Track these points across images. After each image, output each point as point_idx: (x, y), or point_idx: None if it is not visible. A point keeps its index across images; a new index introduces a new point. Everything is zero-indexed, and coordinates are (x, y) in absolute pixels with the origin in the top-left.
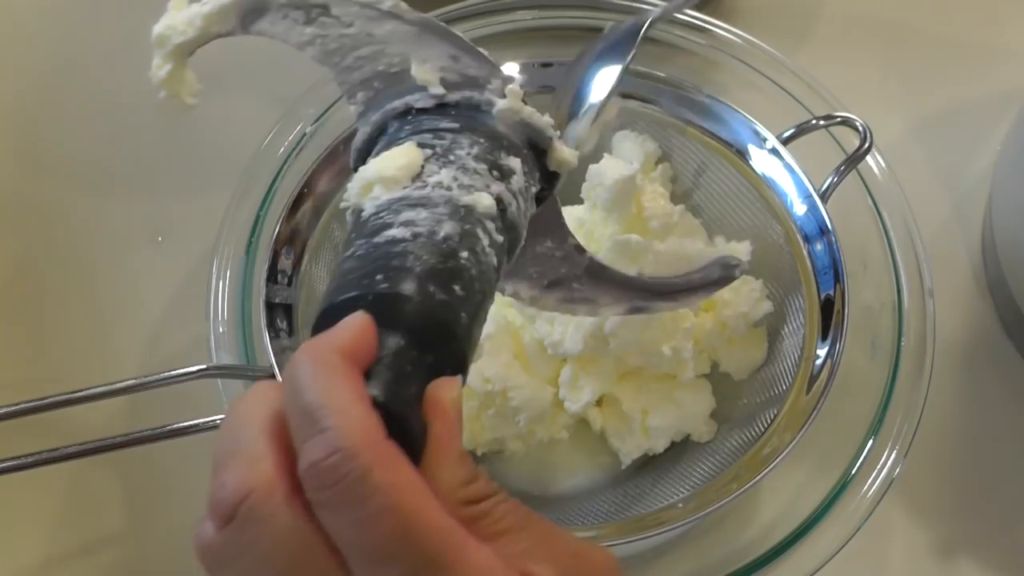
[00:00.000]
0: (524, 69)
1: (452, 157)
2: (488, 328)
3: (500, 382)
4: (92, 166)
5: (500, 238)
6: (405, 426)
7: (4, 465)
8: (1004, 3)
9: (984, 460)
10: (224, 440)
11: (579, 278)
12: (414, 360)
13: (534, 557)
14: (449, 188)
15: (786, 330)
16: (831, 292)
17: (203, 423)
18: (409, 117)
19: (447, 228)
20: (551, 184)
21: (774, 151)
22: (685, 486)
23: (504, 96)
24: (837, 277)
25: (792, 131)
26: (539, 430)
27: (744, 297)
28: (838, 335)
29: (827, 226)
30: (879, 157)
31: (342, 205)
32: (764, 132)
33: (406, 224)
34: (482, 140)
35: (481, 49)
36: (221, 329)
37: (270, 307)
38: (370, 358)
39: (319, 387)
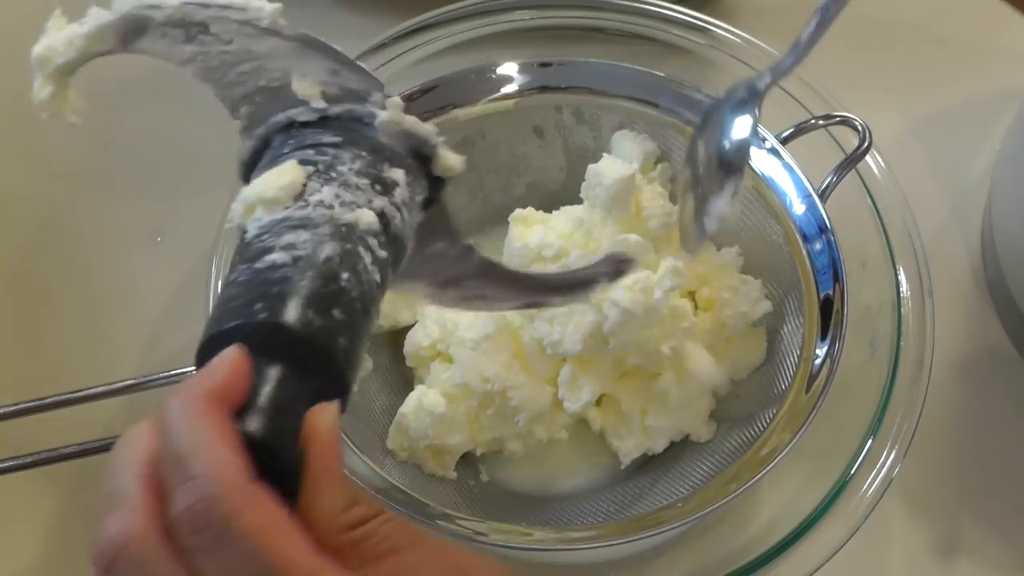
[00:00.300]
0: (523, 69)
1: (334, 174)
2: (487, 328)
3: (499, 382)
4: (92, 166)
5: (384, 253)
6: (279, 460)
7: (4, 465)
8: (1004, 3)
9: (983, 460)
10: (106, 486)
11: (473, 276)
12: (294, 389)
13: (420, 573)
14: (331, 206)
15: (785, 330)
16: (830, 292)
17: None
18: (292, 131)
19: (328, 249)
20: (437, 189)
21: (773, 150)
22: (684, 486)
23: (385, 108)
24: (836, 277)
25: (791, 131)
26: (538, 430)
27: (743, 297)
28: (837, 335)
29: (826, 226)
30: (878, 157)
31: (226, 226)
32: (763, 132)
33: (287, 248)
34: (364, 154)
35: (361, 64)
36: None
37: None
38: (244, 394)
39: (187, 433)
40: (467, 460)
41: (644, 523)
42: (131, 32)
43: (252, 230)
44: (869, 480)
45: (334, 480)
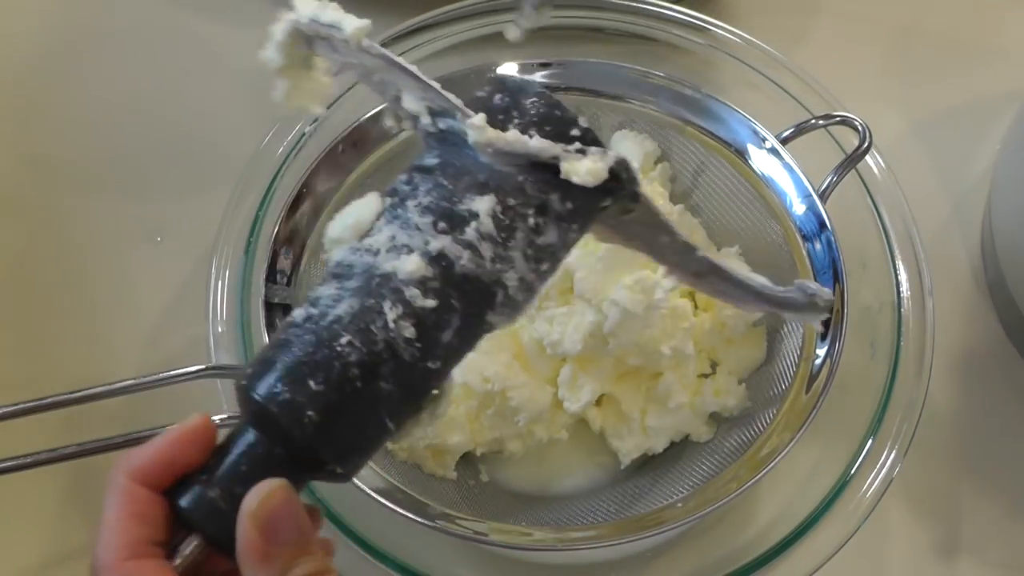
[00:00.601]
0: (524, 69)
1: (400, 210)
2: None
3: (499, 382)
4: (92, 166)
5: (429, 302)
6: (208, 529)
7: (4, 465)
8: (1004, 3)
9: (984, 460)
10: None
11: (707, 273)
12: (259, 455)
13: None
14: (377, 252)
15: (785, 330)
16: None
17: None
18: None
19: (341, 308)
20: (613, 192)
21: (773, 151)
22: (684, 486)
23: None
24: (836, 277)
25: (791, 131)
26: (538, 430)
27: None
28: (837, 335)
29: (826, 225)
30: (878, 157)
31: (323, 256)
32: (763, 132)
33: (312, 302)
34: (445, 181)
35: (434, 83)
36: (220, 329)
37: (269, 307)
38: (196, 461)
39: (104, 506)
40: (467, 460)
41: (644, 523)
42: (306, 40)
43: (328, 265)
44: (869, 480)
45: (256, 557)
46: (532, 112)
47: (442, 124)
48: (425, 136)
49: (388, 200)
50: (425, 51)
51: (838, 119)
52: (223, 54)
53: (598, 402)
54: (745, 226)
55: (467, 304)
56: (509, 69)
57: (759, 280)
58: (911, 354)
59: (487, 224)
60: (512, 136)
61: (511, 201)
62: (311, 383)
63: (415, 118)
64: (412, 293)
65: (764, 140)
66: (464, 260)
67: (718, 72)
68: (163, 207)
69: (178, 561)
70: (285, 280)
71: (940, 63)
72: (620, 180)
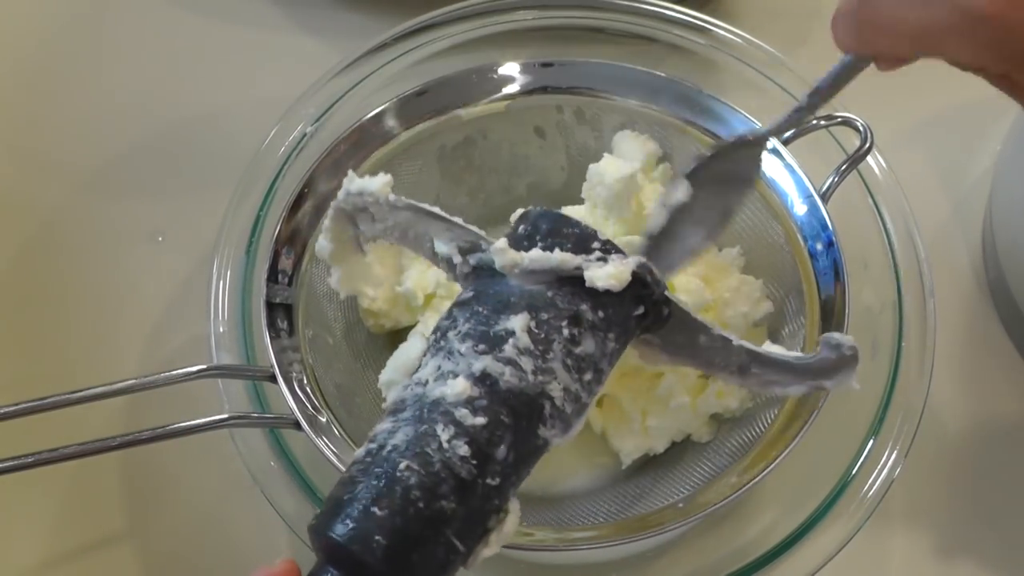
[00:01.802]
0: (524, 69)
1: (443, 342)
2: None
3: None
4: (92, 166)
5: (479, 420)
6: None
7: (4, 465)
8: None
9: (984, 460)
10: None
11: (750, 363)
12: None
13: None
14: (425, 383)
15: (786, 330)
16: (831, 292)
17: (203, 423)
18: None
19: (397, 439)
20: (645, 300)
21: (774, 151)
22: (685, 486)
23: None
24: (837, 277)
25: (793, 131)
26: None
27: (744, 297)
28: None
29: (827, 226)
30: (879, 157)
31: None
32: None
33: (371, 439)
34: (481, 308)
35: (457, 219)
36: (221, 329)
37: (270, 307)
38: None
39: None
40: None
41: (645, 523)
42: (349, 219)
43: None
44: (870, 481)
45: None
46: (553, 233)
47: (472, 260)
48: (462, 279)
49: (432, 337)
50: (425, 51)
51: (839, 119)
52: (223, 54)
53: (599, 402)
54: (746, 227)
55: (516, 418)
56: (510, 69)
57: (792, 354)
58: (912, 354)
59: (524, 339)
60: (534, 254)
61: (544, 315)
62: (375, 510)
63: (450, 263)
64: (462, 413)
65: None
66: (507, 376)
67: (719, 72)
68: (163, 207)
69: None
70: (286, 280)
71: (940, 63)
72: (645, 284)
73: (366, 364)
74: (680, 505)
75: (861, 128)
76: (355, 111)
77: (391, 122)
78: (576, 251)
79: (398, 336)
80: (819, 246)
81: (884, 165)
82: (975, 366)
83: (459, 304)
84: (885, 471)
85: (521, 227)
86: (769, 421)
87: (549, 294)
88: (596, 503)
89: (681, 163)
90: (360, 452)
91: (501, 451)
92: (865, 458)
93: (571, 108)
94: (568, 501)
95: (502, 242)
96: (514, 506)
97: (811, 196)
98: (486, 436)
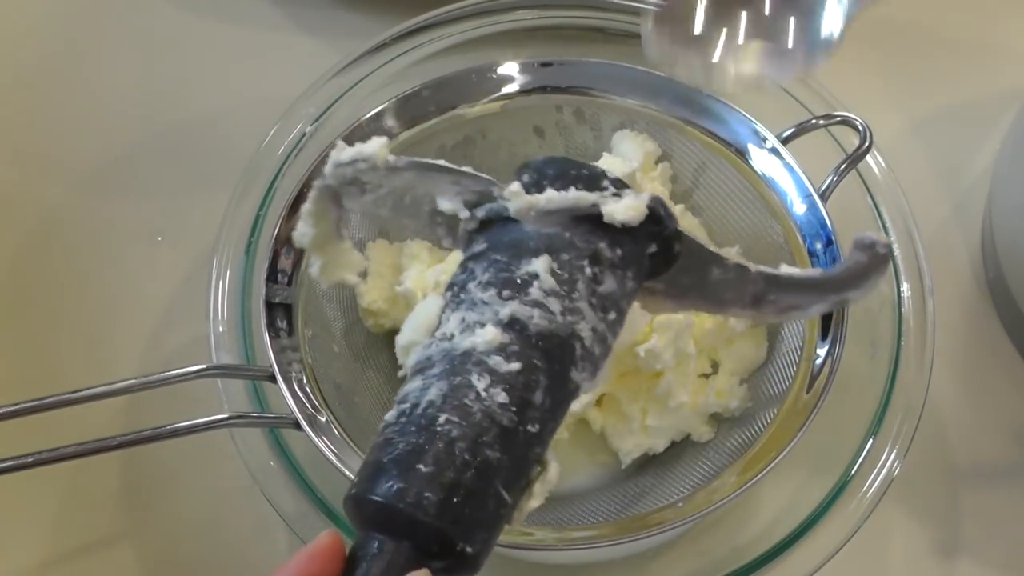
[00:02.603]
0: (523, 69)
1: (463, 295)
2: None
3: None
4: (92, 166)
5: (514, 365)
6: None
7: (4, 465)
8: (1004, 3)
9: (984, 460)
10: None
11: (767, 289)
12: (388, 557)
13: None
14: (451, 337)
15: (786, 329)
16: None
17: (203, 423)
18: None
19: (431, 394)
20: (656, 235)
21: (774, 150)
22: (685, 486)
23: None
24: None
25: (792, 130)
26: None
27: None
28: (838, 334)
29: (827, 225)
30: (879, 156)
31: (400, 374)
32: (764, 131)
33: (401, 401)
34: (499, 256)
35: (466, 168)
36: (221, 329)
37: (270, 307)
38: None
39: None
40: None
41: (645, 523)
42: (334, 198)
43: (408, 374)
44: (869, 480)
45: None
46: (561, 175)
47: (481, 212)
48: (467, 237)
49: (448, 294)
50: (424, 51)
51: (838, 119)
52: (223, 54)
53: (598, 402)
54: (746, 226)
55: (550, 362)
56: (510, 69)
57: (814, 271)
58: (911, 354)
59: (548, 280)
60: (550, 194)
61: (565, 256)
62: (421, 467)
63: (453, 225)
64: (495, 361)
65: (765, 140)
66: (536, 319)
67: None
68: (163, 207)
69: None
70: (286, 280)
71: (940, 63)
72: (659, 218)
73: (366, 364)
74: (680, 505)
75: (860, 127)
76: (355, 111)
77: (390, 122)
78: (589, 190)
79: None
80: (818, 245)
81: (883, 165)
82: (975, 366)
83: (473, 257)
84: (885, 470)
85: (526, 175)
86: (769, 421)
87: (567, 235)
88: (596, 503)
89: (679, 162)
90: (391, 415)
91: (538, 396)
92: (864, 457)
93: (570, 108)
94: (567, 500)
95: (516, 185)
96: (552, 457)
97: (810, 195)
98: (522, 381)
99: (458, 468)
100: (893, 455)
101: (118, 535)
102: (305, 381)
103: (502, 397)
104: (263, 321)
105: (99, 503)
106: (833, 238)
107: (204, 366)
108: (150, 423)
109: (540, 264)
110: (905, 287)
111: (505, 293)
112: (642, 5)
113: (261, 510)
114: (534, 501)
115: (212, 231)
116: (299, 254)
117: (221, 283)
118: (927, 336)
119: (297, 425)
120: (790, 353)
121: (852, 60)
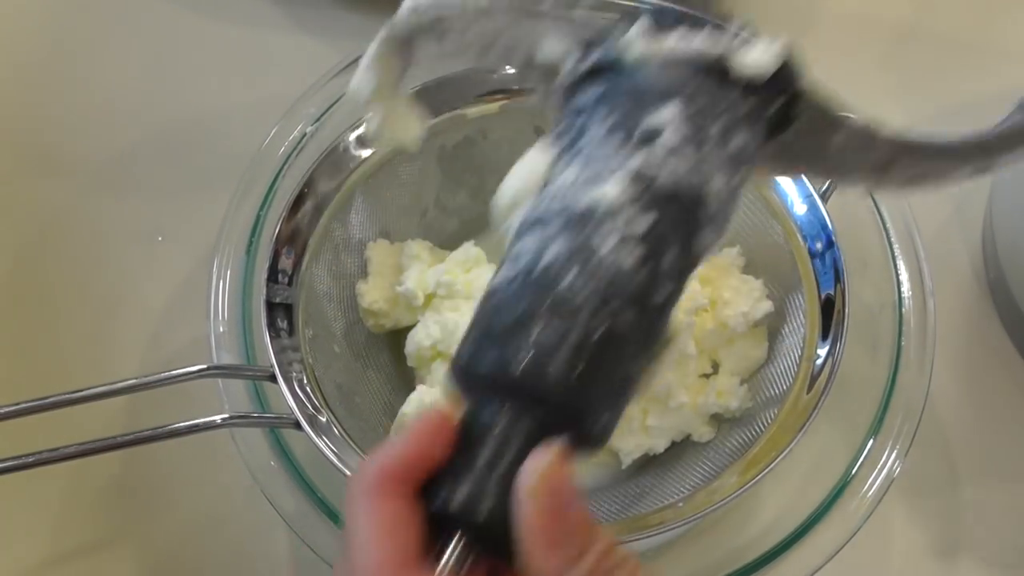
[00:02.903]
0: None
1: (580, 144)
2: None
3: None
4: (93, 165)
5: (641, 226)
6: (478, 525)
7: (4, 465)
8: (1004, 3)
9: (984, 460)
10: None
11: (894, 156)
12: (508, 431)
13: None
14: (567, 193)
15: (786, 330)
16: (831, 292)
17: (203, 423)
18: (573, 97)
19: (550, 254)
20: (781, 89)
21: None
22: (685, 486)
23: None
24: (837, 277)
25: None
26: None
27: (745, 297)
28: (838, 335)
29: (827, 226)
30: None
31: (500, 232)
32: None
33: (514, 259)
34: (618, 105)
35: (579, 10)
36: (221, 329)
37: (271, 307)
38: (432, 463)
39: (350, 518)
40: None
41: (645, 523)
42: (403, 44)
43: (512, 230)
44: (870, 480)
45: (545, 542)
46: (682, 23)
47: (594, 56)
48: (568, 90)
49: (558, 146)
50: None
51: None
52: (224, 54)
53: None
54: (747, 226)
55: (677, 223)
56: (510, 68)
57: (958, 135)
58: (912, 354)
59: (679, 131)
60: (678, 36)
61: (694, 106)
62: (542, 334)
63: (549, 76)
64: (620, 221)
65: None
66: (664, 174)
67: None
68: (163, 207)
69: (445, 568)
70: (287, 280)
71: (940, 63)
72: (791, 70)
73: (366, 364)
74: (680, 505)
75: None
76: (355, 111)
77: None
78: (716, 35)
79: (398, 336)
80: (819, 246)
81: None
82: (975, 366)
83: (580, 109)
84: (885, 470)
85: (644, 20)
86: (769, 421)
87: (692, 84)
88: (596, 503)
89: None
90: (501, 278)
91: (667, 260)
92: (865, 458)
93: None
94: None
95: (643, 22)
96: (674, 329)
97: (811, 196)
98: (652, 243)
99: (586, 335)
100: (893, 455)
101: (118, 535)
102: (305, 381)
103: (631, 260)
104: (264, 321)
105: (99, 503)
106: (833, 239)
107: (205, 366)
108: (150, 423)
109: (669, 112)
110: (906, 288)
111: (631, 143)
112: (643, 5)
113: (261, 510)
114: (656, 378)
115: (213, 231)
116: (300, 254)
117: (222, 283)
118: (927, 336)
119: (297, 425)
120: (790, 353)
121: (852, 60)
